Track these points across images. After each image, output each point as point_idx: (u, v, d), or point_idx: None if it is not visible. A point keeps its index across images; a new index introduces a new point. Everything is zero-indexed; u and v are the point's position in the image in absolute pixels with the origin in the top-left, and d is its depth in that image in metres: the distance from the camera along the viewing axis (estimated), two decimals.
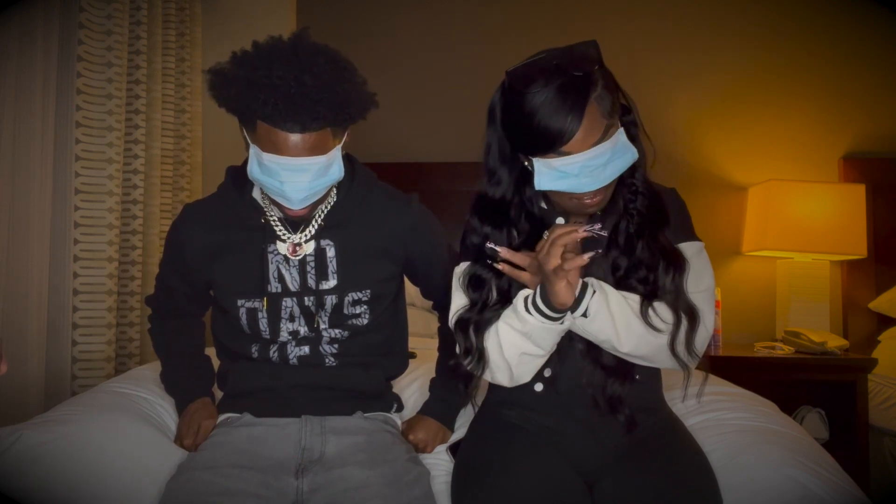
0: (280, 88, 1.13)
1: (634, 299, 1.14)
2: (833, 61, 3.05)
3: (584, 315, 1.11)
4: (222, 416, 1.40)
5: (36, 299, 1.97)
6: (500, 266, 1.15)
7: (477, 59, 3.05)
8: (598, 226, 1.11)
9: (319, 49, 1.19)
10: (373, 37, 3.15)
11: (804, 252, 2.78)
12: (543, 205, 1.24)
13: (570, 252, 1.09)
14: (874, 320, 2.90)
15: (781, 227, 2.77)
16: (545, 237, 1.11)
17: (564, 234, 1.07)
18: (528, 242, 1.20)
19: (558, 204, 1.18)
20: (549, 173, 1.09)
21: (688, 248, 1.20)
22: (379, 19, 3.20)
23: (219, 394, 1.47)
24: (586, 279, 1.13)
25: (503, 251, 1.14)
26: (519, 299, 1.14)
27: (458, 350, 1.21)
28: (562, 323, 1.12)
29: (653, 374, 1.29)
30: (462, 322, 1.21)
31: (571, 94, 1.04)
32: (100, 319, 2.09)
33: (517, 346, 1.14)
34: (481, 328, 1.18)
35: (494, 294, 1.20)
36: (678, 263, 1.16)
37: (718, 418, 1.41)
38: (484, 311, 1.19)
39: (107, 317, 2.10)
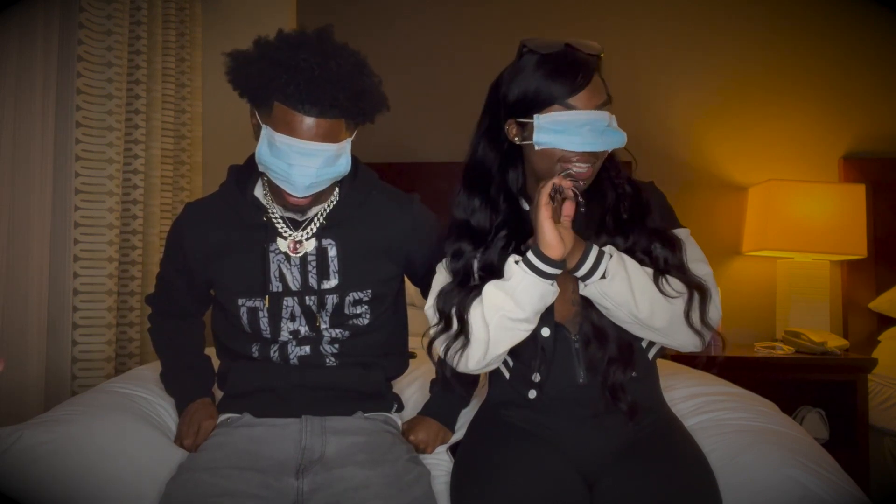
0: (304, 71, 1.15)
1: (648, 270, 1.16)
2: (833, 61, 3.05)
3: (603, 276, 1.12)
4: (222, 417, 1.40)
5: (36, 299, 1.97)
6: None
7: (477, 59, 3.04)
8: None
9: (342, 44, 1.23)
10: (373, 37, 3.15)
11: (804, 252, 2.78)
12: (525, 206, 1.26)
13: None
14: (874, 320, 2.90)
15: (781, 227, 2.77)
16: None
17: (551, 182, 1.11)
18: (507, 225, 1.23)
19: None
20: (551, 129, 1.13)
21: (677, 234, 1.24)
22: (379, 20, 3.20)
23: (219, 394, 1.47)
24: (605, 247, 1.15)
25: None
26: (511, 258, 1.15)
27: (433, 322, 1.21)
28: (552, 285, 1.12)
29: (651, 373, 1.30)
30: (443, 294, 1.21)
31: (582, 59, 1.14)
32: (100, 319, 2.09)
33: (499, 307, 1.13)
34: (465, 301, 1.18)
35: (476, 277, 1.21)
36: (673, 241, 1.20)
37: (718, 418, 1.40)
38: (465, 286, 1.20)
39: (107, 317, 2.10)
